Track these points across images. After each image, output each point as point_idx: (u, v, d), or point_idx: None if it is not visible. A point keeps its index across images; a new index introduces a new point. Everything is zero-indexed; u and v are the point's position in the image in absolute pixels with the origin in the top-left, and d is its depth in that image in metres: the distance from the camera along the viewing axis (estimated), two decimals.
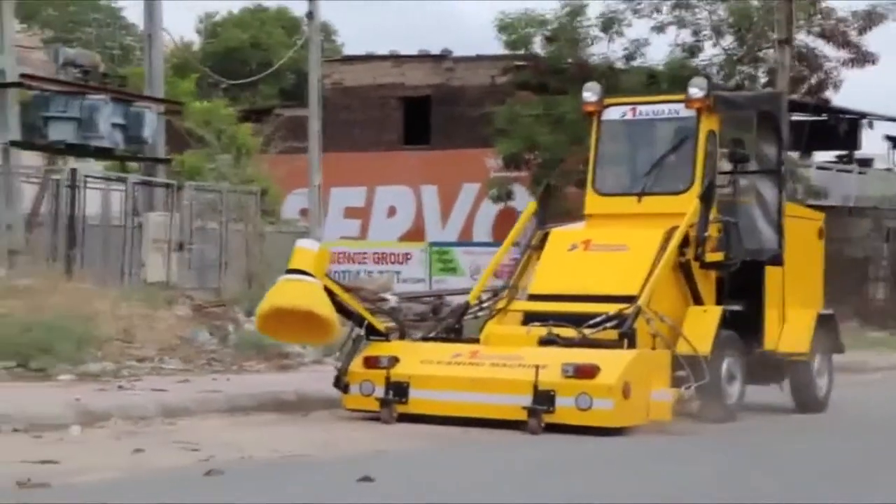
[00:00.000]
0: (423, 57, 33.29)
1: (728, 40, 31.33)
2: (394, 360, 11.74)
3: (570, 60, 29.37)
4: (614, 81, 26.37)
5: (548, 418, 10.94)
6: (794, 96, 29.84)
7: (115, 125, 19.48)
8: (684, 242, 12.45)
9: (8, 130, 18.23)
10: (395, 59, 33.45)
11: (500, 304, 12.70)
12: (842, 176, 33.78)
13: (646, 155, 13.57)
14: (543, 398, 10.95)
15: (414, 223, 32.50)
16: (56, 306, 14.65)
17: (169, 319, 16.35)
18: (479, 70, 31.87)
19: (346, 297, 12.11)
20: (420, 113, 32.52)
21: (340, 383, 11.89)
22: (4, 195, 18.15)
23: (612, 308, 11.76)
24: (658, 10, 30.61)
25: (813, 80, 32.15)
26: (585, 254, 12.69)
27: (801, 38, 30.93)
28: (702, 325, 12.21)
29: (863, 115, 35.27)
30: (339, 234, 31.35)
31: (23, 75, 19.07)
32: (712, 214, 12.71)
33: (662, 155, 13.28)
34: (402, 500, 7.79)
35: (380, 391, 11.62)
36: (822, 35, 31.67)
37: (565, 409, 10.93)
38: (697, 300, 12.64)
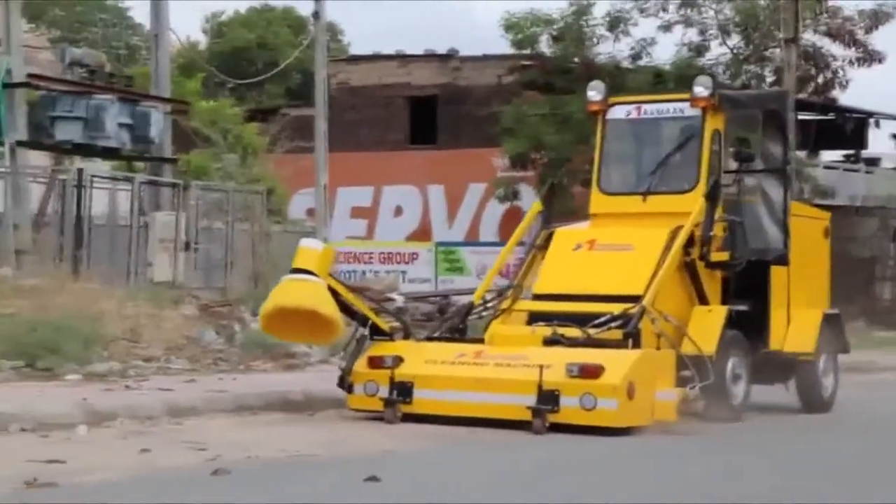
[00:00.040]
0: (430, 57, 33.31)
1: (735, 39, 31.34)
2: (398, 360, 11.70)
3: (576, 60, 29.38)
4: (621, 81, 26.38)
5: (552, 418, 10.92)
6: (801, 95, 29.83)
7: (121, 125, 19.48)
8: (689, 242, 12.42)
9: (15, 130, 18.24)
10: (402, 58, 33.47)
11: (505, 304, 12.65)
12: (849, 175, 33.74)
13: (651, 154, 13.54)
14: (548, 398, 10.93)
15: (420, 223, 32.51)
16: (63, 306, 14.67)
17: (175, 319, 16.36)
18: (486, 70, 31.88)
19: (350, 297, 12.09)
20: (426, 113, 32.53)
21: (344, 383, 11.88)
22: (11, 195, 18.16)
23: (616, 308, 11.73)
24: (664, 10, 30.63)
25: (820, 80, 32.14)
26: (590, 253, 12.66)
27: (808, 37, 30.94)
28: (707, 325, 12.17)
29: (870, 115, 35.23)
30: (346, 234, 31.37)
31: (30, 75, 19.08)
32: (717, 214, 12.69)
33: (667, 154, 13.25)
34: (409, 500, 7.78)
35: (384, 391, 11.60)
36: (829, 34, 31.65)
37: (570, 409, 10.90)
38: (702, 300, 12.61)
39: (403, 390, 11.53)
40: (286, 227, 24.26)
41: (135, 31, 42.48)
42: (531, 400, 10.96)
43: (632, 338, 11.48)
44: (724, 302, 12.80)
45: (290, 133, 28.28)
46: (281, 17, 44.52)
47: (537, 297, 12.60)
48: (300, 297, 11.52)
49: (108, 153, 20.34)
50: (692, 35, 30.92)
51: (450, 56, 32.79)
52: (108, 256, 19.19)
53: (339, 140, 28.05)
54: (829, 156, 35.51)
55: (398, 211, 32.85)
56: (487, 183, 30.61)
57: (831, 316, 14.14)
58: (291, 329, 12.05)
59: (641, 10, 30.23)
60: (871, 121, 35.54)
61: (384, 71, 33.36)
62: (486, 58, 32.02)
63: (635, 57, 29.76)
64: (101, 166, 21.66)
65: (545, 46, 29.98)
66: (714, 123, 13.00)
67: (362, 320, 12.10)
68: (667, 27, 30.56)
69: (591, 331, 11.63)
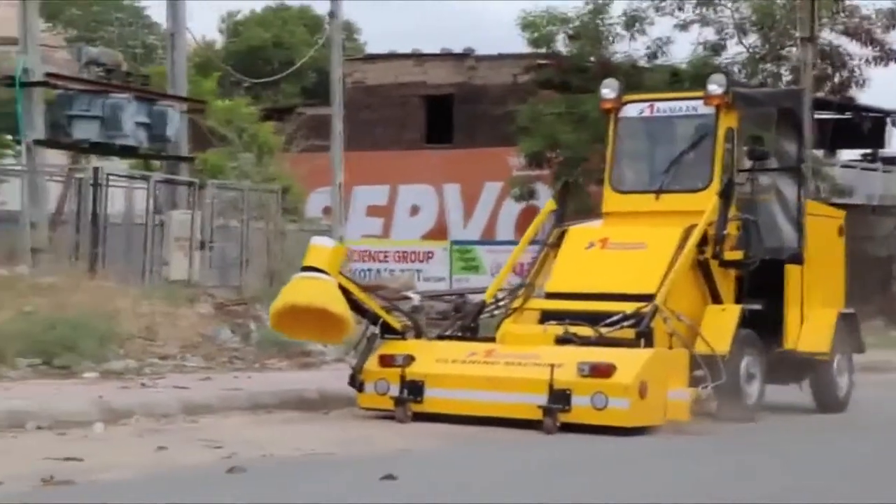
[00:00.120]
0: (446, 56, 33.30)
1: (752, 38, 31.28)
2: (409, 359, 11.66)
3: (592, 59, 29.34)
4: (637, 80, 26.34)
5: (563, 417, 10.86)
6: (819, 94, 29.77)
7: (138, 124, 19.53)
8: (703, 241, 12.37)
9: (33, 129, 18.30)
10: (418, 57, 33.47)
11: (517, 303, 12.59)
12: (866, 174, 33.64)
13: (664, 152, 13.49)
14: (559, 397, 10.88)
15: (436, 222, 32.51)
16: (79, 304, 14.73)
17: (191, 317, 16.41)
18: (502, 69, 31.86)
19: (360, 295, 12.06)
20: (442, 111, 32.53)
21: (355, 382, 11.84)
22: (29, 193, 18.22)
23: (629, 307, 11.69)
24: (681, 9, 30.59)
25: (837, 79, 32.05)
26: (603, 252, 12.61)
27: (826, 35, 30.84)
28: (720, 324, 12.13)
29: (888, 113, 35.11)
30: (362, 233, 31.39)
31: (47, 74, 19.13)
32: (731, 212, 12.65)
33: (681, 152, 13.19)
34: (425, 499, 7.78)
35: (395, 390, 11.56)
36: (847, 33, 31.56)
37: (581, 409, 10.85)
38: (716, 299, 12.56)
39: (414, 389, 11.50)
40: (302, 225, 24.27)
41: (151, 31, 42.60)
42: (542, 399, 10.91)
43: (644, 337, 11.44)
44: (737, 301, 12.75)
45: (305, 132, 28.27)
46: (297, 16, 44.57)
47: (549, 296, 12.56)
48: (311, 296, 11.49)
49: (125, 152, 20.39)
50: (709, 34, 30.91)
51: (466, 55, 32.78)
52: (125, 255, 19.24)
53: (355, 139, 28.08)
54: (847, 155, 35.43)
55: (414, 210, 32.86)
56: (503, 182, 30.60)
57: (846, 315, 14.06)
58: (302, 327, 12.02)
59: (658, 9, 30.20)
60: (889, 120, 35.42)
61: (400, 70, 33.37)
62: (501, 57, 32.00)
63: (652, 56, 29.72)
64: (117, 165, 21.71)
65: (561, 45, 29.97)
66: (728, 121, 12.95)
67: (373, 318, 12.07)
68: (683, 26, 30.53)
69: (604, 330, 11.59)
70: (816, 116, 29.42)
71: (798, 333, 13.37)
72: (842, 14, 31.42)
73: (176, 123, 20.24)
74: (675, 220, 12.47)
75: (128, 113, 19.28)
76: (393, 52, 34.20)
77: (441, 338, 12.54)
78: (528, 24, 29.46)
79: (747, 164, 13.73)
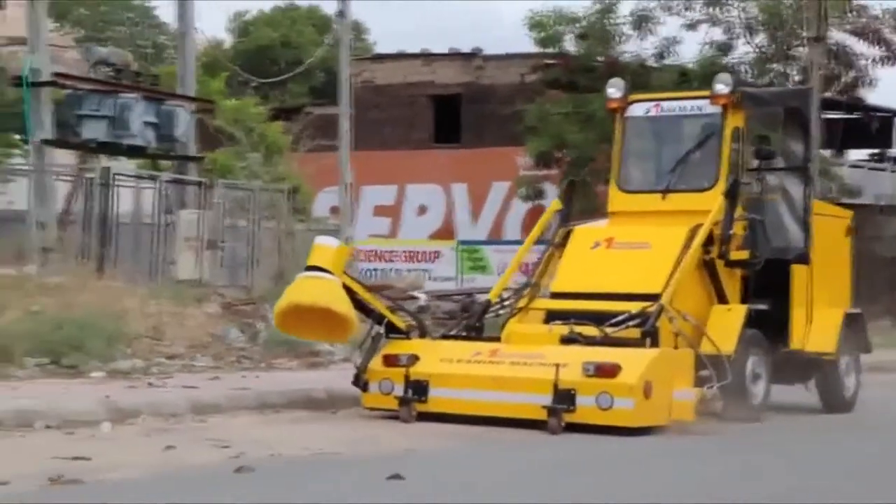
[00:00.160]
0: (454, 55, 33.32)
1: (760, 38, 31.21)
2: (413, 359, 11.64)
3: (600, 58, 29.33)
4: (645, 79, 26.34)
5: (568, 418, 10.83)
6: (827, 94, 29.70)
7: (147, 123, 19.57)
8: (709, 240, 12.35)
9: (41, 129, 18.34)
10: (426, 57, 33.49)
11: (522, 303, 12.57)
12: (875, 174, 33.60)
13: (670, 152, 13.45)
14: (564, 397, 10.85)
15: (444, 221, 32.53)
16: (87, 304, 14.76)
17: (199, 317, 16.43)
18: (510, 68, 31.87)
19: (365, 295, 12.04)
20: (450, 111, 32.55)
21: (360, 381, 11.82)
22: (37, 193, 18.26)
23: (634, 306, 11.67)
24: (689, 8, 30.53)
25: (846, 78, 31.98)
26: (608, 251, 12.59)
27: (834, 35, 30.78)
28: (726, 324, 12.11)
29: None
30: (370, 232, 31.42)
31: (56, 74, 19.17)
32: (737, 212, 12.62)
33: (687, 152, 13.14)
34: (432, 499, 7.79)
35: (399, 389, 11.53)
36: (856, 33, 31.49)
37: (586, 409, 10.82)
38: (722, 299, 12.54)
39: (419, 389, 11.48)
40: (310, 225, 24.29)
41: (160, 30, 42.61)
42: (547, 399, 10.88)
43: (649, 337, 11.40)
44: (744, 301, 12.72)
45: (314, 132, 28.32)
46: (305, 16, 44.58)
47: (555, 296, 12.54)
48: (315, 295, 11.48)
49: (134, 152, 20.42)
50: (717, 34, 30.84)
51: (473, 55, 32.79)
52: (133, 255, 19.28)
53: (363, 138, 28.10)
54: (855, 155, 35.37)
55: (422, 209, 32.87)
56: (511, 182, 30.61)
57: (853, 315, 14.04)
58: (306, 327, 12.01)
59: (666, 9, 30.16)
60: None
61: (408, 70, 33.39)
62: (509, 56, 32.01)
63: (660, 56, 29.69)
64: (126, 165, 21.74)
65: (569, 45, 29.95)
66: (734, 121, 12.92)
67: (378, 318, 12.04)
68: (691, 26, 30.47)
69: (609, 330, 11.57)
70: (825, 116, 29.38)
71: (804, 333, 13.34)
72: (850, 14, 31.35)
73: (184, 123, 20.28)
74: (680, 220, 12.45)
75: (136, 113, 19.32)
76: (401, 52, 34.23)
77: (445, 337, 12.54)
78: (536, 24, 29.45)
79: (754, 163, 13.70)
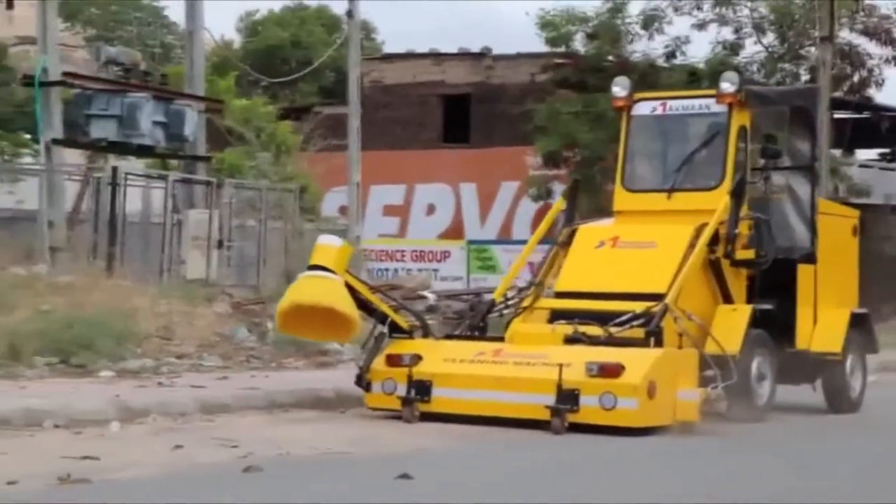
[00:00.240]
0: (463, 55, 33.32)
1: (770, 38, 31.20)
2: (416, 358, 11.58)
3: (610, 58, 29.32)
4: (655, 79, 26.34)
5: (572, 418, 10.77)
6: (837, 94, 29.66)
7: (156, 123, 19.59)
8: (714, 240, 12.29)
9: (51, 128, 18.37)
10: (435, 57, 33.49)
11: (526, 302, 12.51)
12: (884, 174, 33.53)
13: (676, 151, 13.41)
14: (567, 397, 10.79)
15: (453, 221, 32.53)
16: (97, 303, 14.78)
17: (208, 316, 16.44)
18: (519, 68, 31.86)
19: (368, 294, 12.00)
20: (460, 111, 32.55)
21: (362, 381, 11.78)
22: (47, 192, 18.29)
23: (639, 306, 11.62)
24: (699, 8, 30.53)
25: (855, 78, 31.95)
26: (613, 251, 12.53)
27: (844, 35, 30.76)
28: (731, 324, 12.05)
29: None
30: (378, 232, 31.42)
31: (65, 73, 19.19)
32: (743, 211, 12.56)
33: (693, 151, 13.10)
34: (440, 498, 7.79)
35: (402, 389, 11.45)
36: (865, 32, 31.46)
37: (589, 409, 10.76)
38: (727, 298, 12.50)
39: (422, 389, 11.42)
40: (319, 224, 24.31)
41: (169, 30, 42.73)
42: (550, 399, 10.81)
43: (654, 336, 11.35)
44: (749, 300, 12.69)
45: (323, 131, 28.35)
46: (315, 15, 44.63)
47: (559, 295, 12.49)
48: (317, 295, 11.43)
49: (143, 151, 20.45)
50: (727, 33, 30.84)
51: (483, 54, 32.79)
52: (142, 254, 19.31)
53: (373, 138, 28.10)
54: (865, 154, 35.31)
55: (431, 209, 32.88)
56: (520, 181, 30.60)
57: (859, 315, 13.95)
58: (308, 327, 11.96)
59: (676, 9, 30.16)
60: None
61: (418, 69, 33.39)
62: (519, 56, 32.00)
63: (669, 55, 29.69)
64: (135, 164, 21.77)
65: (579, 44, 29.96)
66: (740, 120, 12.88)
67: (381, 318, 12.00)
68: (701, 25, 30.48)
69: (613, 329, 11.53)
70: (834, 116, 29.34)
71: (810, 333, 13.30)
72: (860, 13, 31.32)
73: (193, 123, 20.29)
74: (686, 219, 12.39)
75: (145, 112, 19.34)
76: (410, 52, 34.23)
77: (449, 337, 12.51)
78: (546, 24, 29.44)
79: (760, 162, 13.65)
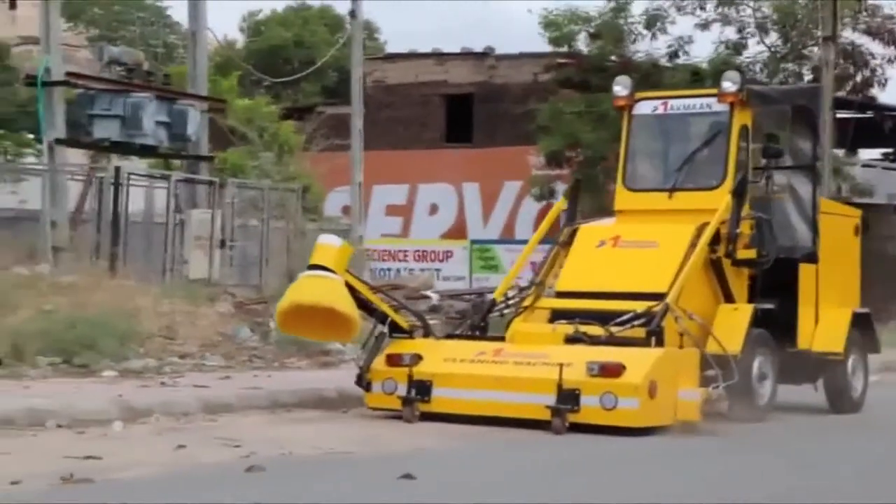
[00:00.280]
0: (466, 55, 33.31)
1: (773, 37, 31.20)
2: (416, 358, 11.58)
3: (613, 58, 29.32)
4: (657, 78, 26.33)
5: (572, 418, 10.77)
6: (840, 94, 29.66)
7: (158, 123, 19.61)
8: (715, 239, 12.29)
9: (54, 128, 18.39)
10: (438, 56, 33.48)
11: (527, 302, 12.51)
12: (887, 174, 33.53)
13: (677, 150, 13.40)
14: (568, 397, 10.78)
15: (456, 221, 32.53)
16: (99, 303, 14.80)
17: (210, 316, 16.46)
18: (522, 68, 31.85)
19: (368, 294, 12.00)
20: (462, 111, 32.54)
21: (362, 381, 11.78)
22: (50, 192, 18.31)
23: (640, 306, 11.62)
24: (702, 8, 30.54)
25: (858, 78, 31.95)
26: (614, 250, 12.53)
27: (847, 35, 30.75)
28: (732, 324, 12.05)
29: None
30: (381, 232, 31.43)
31: (68, 73, 19.21)
32: (745, 211, 12.56)
33: (694, 150, 13.09)
34: (442, 498, 7.81)
35: (402, 389, 11.45)
36: (869, 32, 31.46)
37: (590, 409, 10.76)
38: (728, 298, 12.50)
39: (422, 388, 11.41)
40: (321, 224, 24.32)
41: (172, 30, 42.72)
42: (551, 399, 10.81)
43: (655, 336, 11.35)
44: (750, 300, 12.69)
45: (326, 131, 28.36)
46: (318, 15, 44.63)
47: (560, 295, 12.48)
48: (317, 294, 11.43)
49: (146, 151, 20.47)
50: (730, 33, 30.84)
51: (486, 54, 32.78)
52: (145, 254, 19.33)
53: (375, 138, 28.11)
54: (868, 154, 35.30)
55: (433, 209, 32.87)
56: (523, 181, 30.59)
57: (861, 315, 13.95)
58: (308, 326, 11.96)
59: (679, 8, 30.17)
60: None
61: (420, 69, 33.39)
62: (522, 56, 31.99)
63: (672, 55, 29.69)
64: (138, 164, 21.79)
65: (582, 44, 29.95)
66: (742, 119, 12.87)
67: (381, 317, 12.00)
68: (704, 25, 30.49)
69: (614, 329, 11.53)
70: (837, 116, 29.33)
71: (812, 333, 13.30)
72: (864, 13, 31.32)
73: (196, 123, 20.32)
74: (687, 219, 12.39)
75: (148, 112, 19.36)
76: (413, 52, 34.22)
77: (449, 337, 12.50)
78: (549, 23, 29.44)
79: (761, 161, 13.64)
